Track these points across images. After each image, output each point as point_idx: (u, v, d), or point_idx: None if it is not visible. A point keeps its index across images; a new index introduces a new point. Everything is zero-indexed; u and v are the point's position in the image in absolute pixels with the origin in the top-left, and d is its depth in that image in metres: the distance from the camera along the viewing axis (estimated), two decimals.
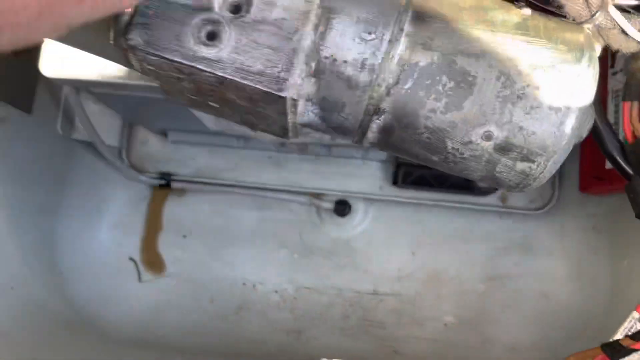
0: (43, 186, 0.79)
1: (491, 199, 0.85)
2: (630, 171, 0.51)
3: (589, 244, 0.81)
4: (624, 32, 0.38)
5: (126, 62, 0.40)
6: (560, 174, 0.84)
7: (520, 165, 0.36)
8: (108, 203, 0.89)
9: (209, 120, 0.74)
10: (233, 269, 0.88)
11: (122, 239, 0.89)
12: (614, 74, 0.69)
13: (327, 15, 0.34)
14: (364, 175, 0.87)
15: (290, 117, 0.36)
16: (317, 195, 0.88)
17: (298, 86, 0.34)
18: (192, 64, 0.33)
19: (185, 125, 0.82)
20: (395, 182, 0.85)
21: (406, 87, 0.35)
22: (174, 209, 0.90)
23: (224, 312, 0.85)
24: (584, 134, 0.40)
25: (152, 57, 0.34)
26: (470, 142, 0.36)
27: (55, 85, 0.79)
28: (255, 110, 0.37)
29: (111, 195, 0.89)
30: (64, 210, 0.83)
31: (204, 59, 0.33)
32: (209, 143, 0.88)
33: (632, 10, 0.38)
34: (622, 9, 0.38)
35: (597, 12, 0.37)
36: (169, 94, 0.41)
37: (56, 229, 0.82)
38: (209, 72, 0.33)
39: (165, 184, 0.88)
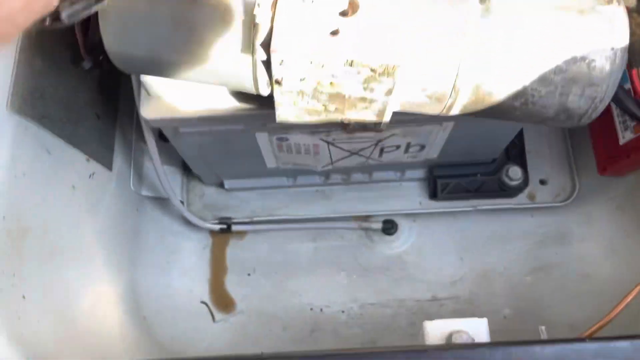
0: (124, 239, 0.87)
1: (521, 199, 0.94)
2: None
3: (616, 223, 0.91)
4: None
5: (252, 80, 0.50)
6: (577, 166, 0.95)
7: (588, 91, 0.47)
8: (176, 254, 0.96)
9: (269, 157, 0.84)
10: (299, 297, 0.94)
11: (192, 284, 0.95)
12: None
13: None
14: (404, 194, 0.96)
15: (395, 93, 0.46)
16: (365, 219, 0.97)
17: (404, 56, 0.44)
18: (325, 53, 0.43)
19: (243, 169, 0.92)
20: (434, 196, 0.94)
21: (492, 42, 0.46)
22: (235, 251, 0.97)
23: (298, 337, 0.90)
24: (626, 60, 0.50)
25: (291, 57, 0.43)
26: (545, 78, 0.46)
27: (127, 145, 0.89)
28: (361, 99, 0.46)
29: (177, 246, 0.96)
30: (140, 262, 0.90)
31: (334, 48, 0.43)
32: (261, 186, 0.97)
33: None
34: None
35: None
36: (280, 108, 0.50)
37: (136, 279, 0.88)
38: (339, 57, 0.43)
39: (226, 228, 0.96)
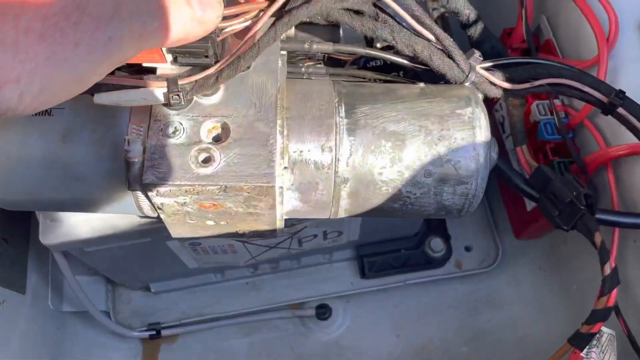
0: None
1: (448, 268, 0.96)
2: (536, 195, 0.64)
3: (540, 283, 0.92)
4: (491, 83, 0.53)
5: (136, 208, 0.50)
6: (497, 230, 0.97)
7: (460, 189, 0.48)
8: None
9: (188, 260, 0.83)
10: None
11: None
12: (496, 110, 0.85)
13: (286, 122, 0.47)
14: (335, 276, 0.96)
15: (278, 208, 0.46)
16: (298, 306, 0.95)
17: (280, 177, 0.44)
18: (198, 182, 0.43)
19: (166, 272, 0.90)
20: (363, 275, 0.94)
21: (358, 155, 0.47)
22: (167, 357, 0.94)
23: None
24: (494, 154, 0.52)
25: (164, 189, 0.44)
26: (417, 182, 0.48)
27: (43, 264, 0.86)
28: (248, 214, 0.46)
29: (106, 359, 0.92)
30: None
31: (206, 177, 0.43)
32: (189, 285, 0.95)
33: (491, 69, 0.54)
34: (485, 68, 0.54)
35: (469, 73, 0.52)
36: (171, 227, 0.51)
37: None
38: (213, 185, 0.43)
39: (155, 334, 0.93)
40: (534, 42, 0.82)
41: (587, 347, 0.59)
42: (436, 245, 0.93)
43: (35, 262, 0.84)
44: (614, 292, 0.56)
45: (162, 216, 0.49)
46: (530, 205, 0.82)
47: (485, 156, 0.49)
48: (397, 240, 0.94)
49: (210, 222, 0.50)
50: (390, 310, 0.95)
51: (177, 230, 0.51)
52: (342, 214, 0.51)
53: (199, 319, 0.94)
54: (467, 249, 0.98)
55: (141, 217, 0.64)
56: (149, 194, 0.45)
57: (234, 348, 0.94)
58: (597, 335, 0.58)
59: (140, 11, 0.33)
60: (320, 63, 0.56)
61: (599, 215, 0.61)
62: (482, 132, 0.49)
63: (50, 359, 0.85)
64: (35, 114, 0.48)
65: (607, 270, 0.56)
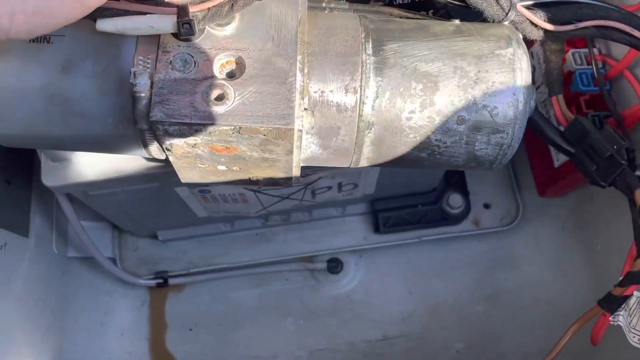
0: (47, 307, 0.81)
1: (466, 225, 0.92)
2: (571, 149, 0.60)
3: (563, 243, 0.89)
4: (532, 23, 0.48)
5: (143, 149, 0.46)
6: (519, 187, 0.93)
7: (494, 138, 0.44)
8: (110, 314, 0.90)
9: (198, 208, 0.80)
10: (244, 349, 0.89)
11: (130, 346, 0.89)
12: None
13: (307, 58, 0.42)
14: (347, 230, 0.93)
15: (295, 153, 0.42)
16: (309, 259, 0.93)
17: (300, 119, 0.40)
18: (210, 121, 0.39)
19: (174, 220, 0.87)
20: (377, 230, 0.91)
21: (385, 98, 0.43)
22: (175, 305, 0.92)
23: None
24: (533, 102, 0.48)
25: (174, 127, 0.40)
26: (448, 129, 0.43)
27: (47, 207, 0.84)
28: (263, 159, 0.42)
29: (112, 306, 0.91)
30: (69, 327, 0.84)
31: (219, 115, 0.39)
32: (198, 234, 0.92)
33: (532, 7, 0.49)
34: (526, 7, 0.48)
35: (509, 10, 0.46)
36: (181, 171, 0.47)
37: (64, 349, 0.82)
38: (226, 125, 0.39)
39: (163, 283, 0.91)
40: None
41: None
42: (455, 201, 0.89)
43: (38, 205, 0.81)
44: None
45: (170, 158, 0.45)
46: (558, 160, 0.78)
47: (525, 103, 0.44)
48: (414, 195, 0.90)
49: (222, 167, 0.46)
50: (404, 267, 0.93)
51: (187, 174, 0.48)
52: (363, 163, 0.47)
53: (207, 268, 0.91)
54: (486, 206, 0.94)
55: (148, 159, 0.61)
56: (157, 133, 0.42)
57: (243, 299, 0.92)
58: (633, 299, 0.54)
59: None
60: None
61: None
62: (523, 76, 0.44)
63: (54, 304, 0.83)
64: (33, 41, 0.43)
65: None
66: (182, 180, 0.49)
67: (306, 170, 0.72)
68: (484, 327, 0.88)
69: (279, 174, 0.46)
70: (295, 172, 0.46)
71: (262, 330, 0.90)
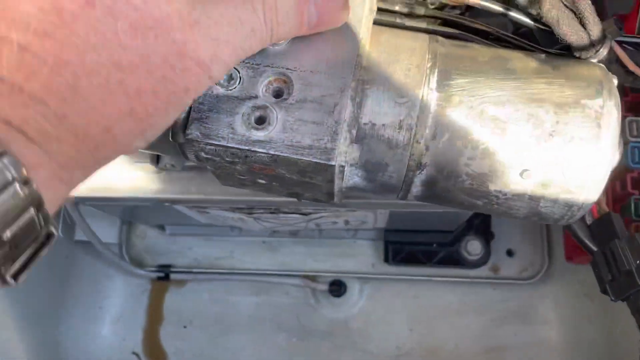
0: (46, 289, 0.82)
1: (483, 271, 0.86)
2: (593, 247, 0.53)
3: (583, 311, 0.82)
4: (622, 66, 0.41)
5: (181, 153, 0.43)
6: (549, 242, 0.86)
7: (563, 198, 0.39)
8: (109, 299, 0.91)
9: (199, 218, 0.78)
10: (232, 356, 0.89)
11: (124, 333, 0.91)
12: None
13: (361, 86, 0.37)
14: (356, 254, 0.89)
15: (337, 182, 0.38)
16: (312, 278, 0.90)
17: (344, 154, 0.36)
18: (247, 147, 0.36)
19: (180, 220, 0.85)
20: (386, 259, 0.86)
21: (443, 139, 0.38)
22: (174, 300, 0.92)
23: None
24: (617, 158, 0.42)
25: (209, 147, 0.37)
26: (511, 182, 0.38)
27: None
28: (303, 182, 0.39)
29: (112, 291, 0.92)
30: (67, 310, 0.86)
31: (257, 142, 0.36)
32: (205, 233, 0.91)
33: (630, 46, 0.41)
34: (623, 43, 0.41)
35: (601, 48, 0.39)
36: (220, 177, 0.44)
37: (60, 329, 0.84)
38: (263, 153, 0.36)
39: (164, 277, 0.90)
40: None
41: None
42: (473, 247, 0.83)
43: None
44: None
45: (208, 169, 0.42)
46: None
47: (606, 165, 0.37)
48: (430, 232, 0.84)
49: (262, 181, 0.43)
50: (409, 302, 0.88)
51: (226, 181, 0.44)
52: (411, 199, 0.43)
53: (210, 270, 0.90)
54: (510, 253, 0.87)
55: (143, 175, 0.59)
56: (194, 148, 0.38)
57: (241, 305, 0.91)
58: None
59: None
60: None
61: None
62: (610, 134, 0.37)
63: (55, 284, 0.84)
64: None
65: None
66: (222, 184, 0.46)
67: (308, 209, 0.67)
68: None
69: (319, 195, 0.43)
70: (337, 195, 0.42)
71: (254, 340, 0.89)
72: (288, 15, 0.33)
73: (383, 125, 0.38)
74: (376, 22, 0.41)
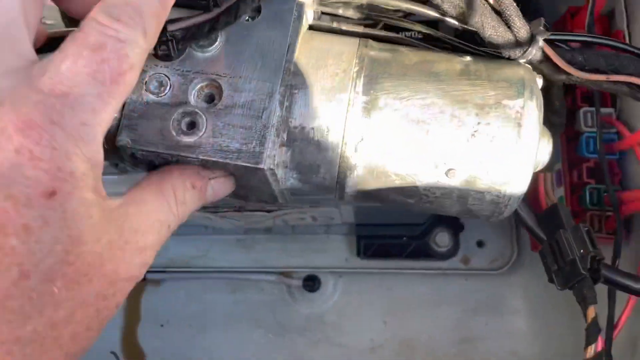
0: None
1: (454, 262, 0.87)
2: (543, 237, 0.54)
3: (551, 300, 0.83)
4: (554, 64, 0.42)
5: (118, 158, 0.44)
6: (517, 232, 0.87)
7: (489, 196, 0.40)
8: None
9: None
10: (210, 354, 0.90)
11: (102, 332, 0.91)
12: None
13: (290, 91, 0.39)
14: (329, 249, 0.90)
15: (274, 185, 0.40)
16: (287, 274, 0.91)
17: (273, 157, 0.37)
18: (177, 152, 0.36)
19: None
20: (359, 254, 0.88)
21: (370, 141, 0.39)
22: (151, 299, 0.93)
23: None
24: (544, 158, 0.43)
25: (141, 152, 0.38)
26: (438, 181, 0.40)
27: None
28: (243, 184, 0.40)
29: None
30: None
31: (186, 147, 0.37)
32: (179, 233, 0.91)
33: (559, 44, 0.42)
34: (550, 42, 0.42)
35: (529, 47, 0.40)
36: None
37: None
38: (193, 157, 0.37)
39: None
40: (599, 29, 0.66)
41: None
42: (442, 239, 0.84)
43: None
44: None
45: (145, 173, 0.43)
46: None
47: (528, 163, 0.39)
48: (400, 225, 0.85)
49: None
50: (383, 295, 0.89)
51: None
52: (349, 200, 0.44)
53: (185, 269, 0.91)
54: (480, 244, 0.88)
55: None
56: (124, 154, 0.39)
57: (217, 302, 0.92)
58: None
59: None
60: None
61: (606, 273, 0.50)
62: (530, 133, 0.39)
63: None
64: None
65: (590, 352, 0.47)
66: None
67: (271, 206, 0.68)
68: None
69: (263, 196, 0.44)
70: (280, 197, 0.43)
71: (231, 338, 0.90)
72: (194, 203, 0.36)
73: (312, 128, 0.39)
74: (314, 27, 0.42)
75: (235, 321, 0.91)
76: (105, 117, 0.29)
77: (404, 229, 0.85)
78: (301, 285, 0.90)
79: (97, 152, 0.29)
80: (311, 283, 0.90)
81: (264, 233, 0.90)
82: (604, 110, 0.64)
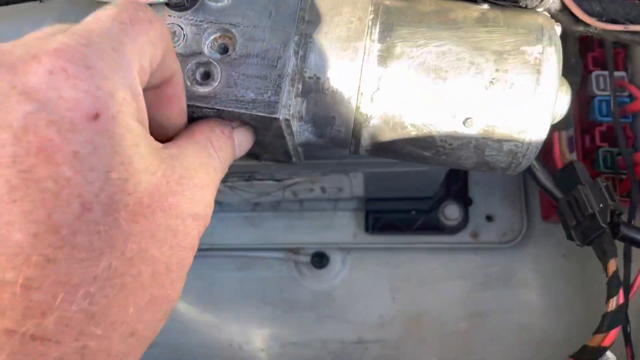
0: None
1: (463, 237, 0.86)
2: (558, 194, 0.53)
3: (562, 272, 0.82)
4: (571, 14, 0.41)
5: None
6: (527, 205, 0.86)
7: (507, 146, 0.39)
8: None
9: None
10: (218, 331, 0.89)
11: None
12: None
13: (304, 40, 0.38)
14: (338, 226, 0.89)
15: (288, 138, 0.39)
16: (294, 250, 0.90)
17: (288, 107, 0.37)
18: (192, 102, 0.36)
19: None
20: (367, 229, 0.87)
21: (387, 90, 0.38)
22: None
23: None
24: (562, 109, 0.42)
25: None
26: (455, 131, 0.39)
27: None
28: (258, 139, 0.40)
29: None
30: None
31: (201, 97, 0.36)
32: None
33: None
34: None
35: None
36: None
37: None
38: (208, 108, 0.36)
39: None
40: None
41: None
42: (451, 212, 0.84)
43: None
44: (613, 332, 0.47)
45: None
46: None
47: (547, 110, 0.38)
48: (409, 199, 0.85)
49: None
50: (392, 270, 0.89)
51: None
52: (362, 152, 0.43)
53: None
54: (489, 218, 0.87)
55: None
56: None
57: (225, 280, 0.91)
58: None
59: None
60: None
61: (624, 230, 0.50)
62: (549, 80, 0.38)
63: None
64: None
65: (612, 305, 0.47)
66: None
67: (281, 174, 0.68)
68: (464, 345, 0.84)
69: (276, 154, 0.43)
70: (294, 153, 0.43)
71: (239, 315, 0.90)
72: (229, 149, 0.36)
73: (327, 78, 0.38)
74: None
75: (243, 298, 0.90)
76: (134, 49, 0.27)
77: (412, 203, 0.85)
78: (309, 262, 0.90)
79: (134, 81, 0.27)
80: (319, 259, 0.90)
81: (271, 210, 0.90)
82: (615, 74, 0.64)
